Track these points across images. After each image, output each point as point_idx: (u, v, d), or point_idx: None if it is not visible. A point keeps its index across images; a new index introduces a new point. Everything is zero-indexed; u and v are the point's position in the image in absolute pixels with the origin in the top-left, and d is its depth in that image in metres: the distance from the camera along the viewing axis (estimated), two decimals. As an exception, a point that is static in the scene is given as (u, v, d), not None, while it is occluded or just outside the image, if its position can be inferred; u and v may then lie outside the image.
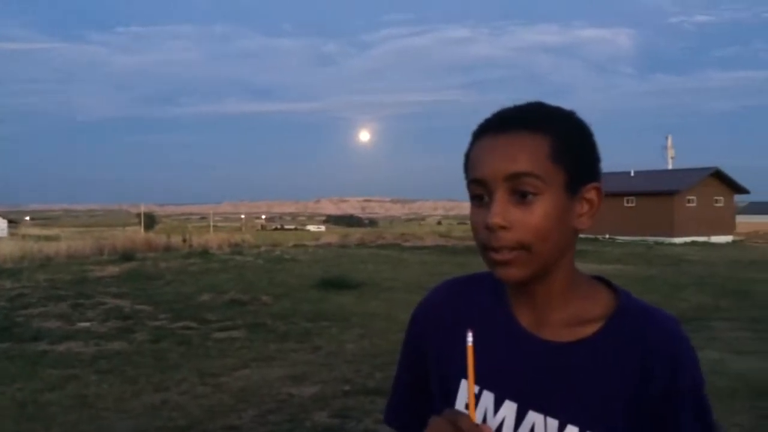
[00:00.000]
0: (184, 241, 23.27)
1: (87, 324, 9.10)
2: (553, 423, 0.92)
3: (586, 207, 0.93)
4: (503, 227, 0.88)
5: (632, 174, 41.41)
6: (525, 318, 0.98)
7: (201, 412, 5.17)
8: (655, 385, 0.90)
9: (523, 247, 0.89)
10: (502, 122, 0.93)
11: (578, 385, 0.92)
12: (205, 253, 20.00)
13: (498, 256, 0.90)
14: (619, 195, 37.77)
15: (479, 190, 0.91)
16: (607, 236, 34.53)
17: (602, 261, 19.25)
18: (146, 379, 6.16)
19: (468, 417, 0.86)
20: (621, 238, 34.28)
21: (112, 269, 15.76)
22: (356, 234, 35.46)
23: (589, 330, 0.95)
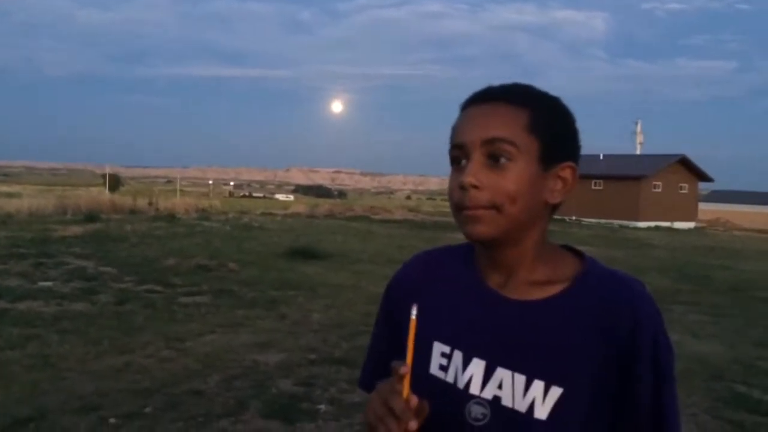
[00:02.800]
0: (150, 204, 22.92)
1: (49, 283, 8.93)
2: (520, 378, 0.95)
3: (559, 183, 0.99)
4: (475, 186, 0.94)
5: (601, 157, 41.95)
6: (493, 280, 1.03)
7: (165, 376, 5.14)
8: (618, 342, 0.93)
9: (493, 206, 0.94)
10: (487, 95, 1.00)
11: (544, 341, 0.96)
12: (171, 217, 19.77)
13: (469, 213, 0.95)
14: (587, 177, 38.29)
15: (458, 154, 0.98)
16: (574, 218, 35.04)
17: (568, 242, 19.56)
18: (110, 342, 6.09)
19: (400, 397, 0.89)
20: (587, 220, 34.86)
21: (76, 229, 15.46)
22: (325, 205, 35.36)
23: (555, 290, 0.99)
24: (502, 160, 0.94)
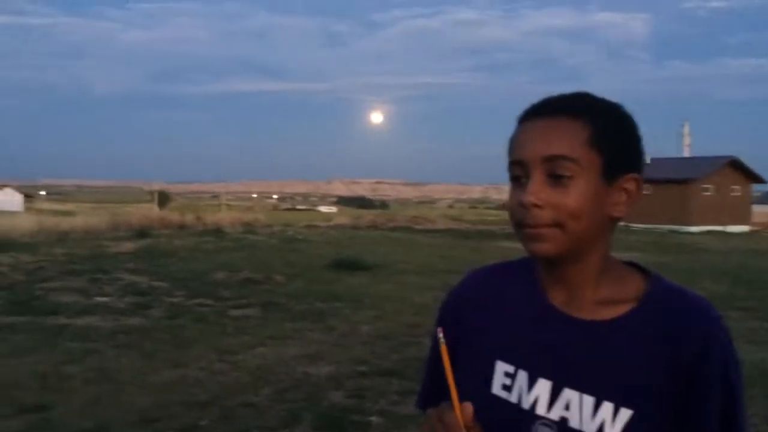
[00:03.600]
0: (198, 219, 23.42)
1: (105, 299, 9.21)
2: (588, 400, 0.93)
3: (623, 196, 0.96)
4: (537, 206, 0.92)
5: (648, 161, 41.07)
6: (557, 298, 1.01)
7: (219, 388, 5.24)
8: (687, 364, 0.92)
9: (556, 224, 0.93)
10: (545, 108, 0.97)
11: (613, 363, 0.94)
12: (218, 231, 20.13)
13: (532, 231, 0.93)
14: (634, 182, 37.47)
15: (518, 171, 0.96)
16: (622, 223, 34.33)
17: (616, 248, 19.15)
18: (164, 355, 6.24)
19: (453, 413, 0.91)
20: (635, 226, 34.11)
21: (128, 245, 15.90)
22: (368, 216, 35.51)
23: (622, 309, 0.97)
24: (564, 178, 0.92)
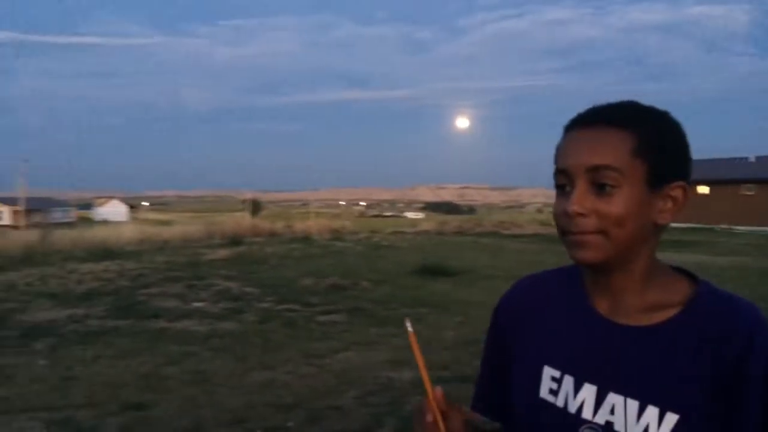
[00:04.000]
0: (288, 227, 24.13)
1: (201, 304, 9.67)
2: (633, 404, 0.94)
3: (669, 203, 0.97)
4: (581, 214, 0.94)
5: (752, 159, 38.69)
6: (602, 305, 1.02)
7: (306, 391, 5.40)
8: (730, 370, 0.91)
9: (600, 231, 0.94)
10: (591, 117, 0.98)
11: (657, 368, 0.95)
12: (306, 238, 20.68)
13: (576, 238, 0.95)
14: (736, 182, 35.46)
15: (563, 180, 0.98)
16: (724, 226, 32.51)
17: (715, 252, 18.20)
18: (255, 358, 6.49)
19: (426, 398, 1.01)
20: (739, 228, 32.20)
21: (222, 253, 16.60)
22: (454, 221, 35.37)
23: (666, 315, 0.97)
24: (607, 187, 0.94)
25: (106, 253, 16.15)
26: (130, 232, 20.73)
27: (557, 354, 1.04)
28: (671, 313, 0.97)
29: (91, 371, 5.98)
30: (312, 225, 25.88)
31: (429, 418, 1.00)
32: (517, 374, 1.08)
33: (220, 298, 10.20)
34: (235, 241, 19.19)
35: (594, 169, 0.94)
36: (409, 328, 1.03)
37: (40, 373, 5.92)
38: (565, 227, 0.96)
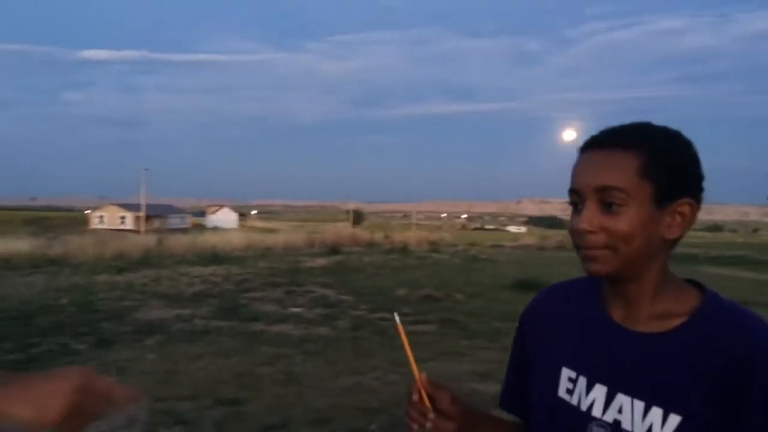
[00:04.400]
0: (386, 237, 24.49)
1: (297, 309, 10.05)
2: (639, 404, 1.00)
3: (677, 219, 1.02)
4: (590, 231, 1.01)
5: None
6: (617, 313, 1.09)
7: (390, 397, 5.53)
8: (732, 377, 0.95)
9: (608, 247, 1.01)
10: (601, 139, 1.05)
11: (662, 372, 1.01)
12: (404, 249, 20.91)
13: (587, 252, 1.02)
14: None
15: (575, 198, 1.05)
16: None
17: None
18: (345, 363, 6.70)
19: (415, 383, 1.12)
20: None
21: (321, 261, 17.13)
22: (556, 236, 34.52)
23: (675, 323, 1.02)
24: (614, 206, 1.00)
25: (214, 258, 17.09)
26: (237, 239, 21.80)
27: (574, 356, 1.12)
28: (679, 321, 1.03)
29: (193, 367, 6.40)
30: (410, 236, 26.14)
31: (415, 397, 1.12)
32: (538, 375, 1.17)
33: (316, 304, 10.56)
34: (334, 250, 19.73)
35: (602, 189, 1.01)
36: (398, 321, 1.15)
37: (149, 366, 6.41)
38: (577, 242, 1.04)
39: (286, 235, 24.41)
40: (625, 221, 1.00)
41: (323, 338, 7.99)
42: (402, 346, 1.15)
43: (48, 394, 0.91)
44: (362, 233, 25.87)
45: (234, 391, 5.53)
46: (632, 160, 1.01)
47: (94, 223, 70.51)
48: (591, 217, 1.02)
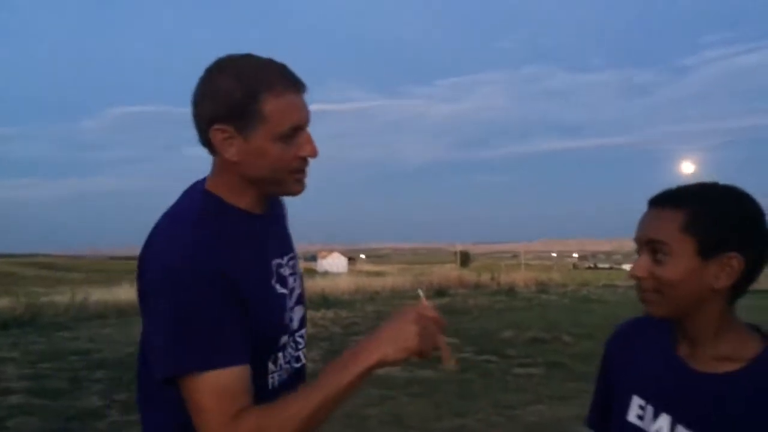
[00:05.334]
0: (493, 278, 24.27)
1: (403, 352, 10.22)
2: None
3: (726, 270, 1.16)
4: (641, 278, 1.21)
5: None
6: (683, 350, 1.26)
7: (493, 440, 5.56)
8: None
9: (657, 291, 1.20)
10: (657, 198, 1.25)
11: (719, 411, 1.15)
12: (511, 290, 20.63)
13: (641, 295, 1.23)
14: None
15: (636, 247, 1.25)
16: None
17: None
18: (449, 405, 6.78)
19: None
20: None
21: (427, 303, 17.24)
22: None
23: (734, 367, 1.18)
24: (659, 255, 1.19)
25: (324, 301, 17.65)
26: (345, 283, 22.39)
27: (644, 386, 1.29)
28: (738, 365, 1.18)
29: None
30: (518, 277, 25.74)
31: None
32: (616, 400, 1.35)
33: (421, 346, 10.68)
34: (440, 292, 19.81)
35: (650, 242, 1.20)
36: (422, 295, 1.38)
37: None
38: (636, 286, 1.24)
39: (393, 278, 24.81)
40: (668, 270, 1.17)
41: (428, 380, 8.10)
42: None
43: (400, 330, 1.27)
44: (469, 275, 25.79)
45: (341, 431, 5.76)
46: (676, 218, 1.18)
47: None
48: (642, 265, 1.21)
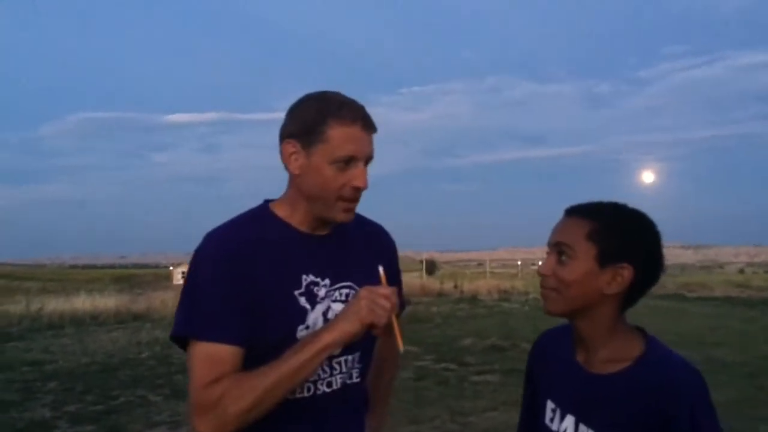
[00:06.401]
0: (456, 287, 24.46)
1: (363, 360, 10.24)
2: None
3: (617, 279, 1.28)
4: (545, 275, 1.32)
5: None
6: (581, 355, 1.36)
7: (446, 447, 5.61)
8: (660, 423, 1.19)
9: (554, 289, 1.30)
10: (572, 209, 1.37)
11: (608, 408, 1.26)
12: (473, 299, 20.84)
13: (542, 291, 1.34)
14: None
15: (547, 249, 1.36)
16: None
17: None
18: (404, 413, 6.81)
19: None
20: None
21: (390, 312, 17.30)
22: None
23: (619, 367, 1.28)
24: (563, 257, 1.30)
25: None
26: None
27: (554, 391, 1.39)
28: (623, 365, 1.28)
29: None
30: (481, 285, 25.98)
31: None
32: (534, 405, 1.46)
33: (381, 355, 10.71)
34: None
35: (557, 244, 1.32)
36: (381, 273, 1.46)
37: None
38: (540, 283, 1.34)
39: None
40: (567, 271, 1.28)
41: (386, 388, 8.13)
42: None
43: (352, 305, 1.39)
44: (432, 283, 25.95)
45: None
46: (584, 226, 1.30)
47: (177, 279, 73.37)
48: (548, 264, 1.32)
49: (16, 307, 16.31)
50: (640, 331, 1.34)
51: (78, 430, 6.06)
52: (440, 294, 23.14)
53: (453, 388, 8.13)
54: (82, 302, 16.74)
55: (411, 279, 31.24)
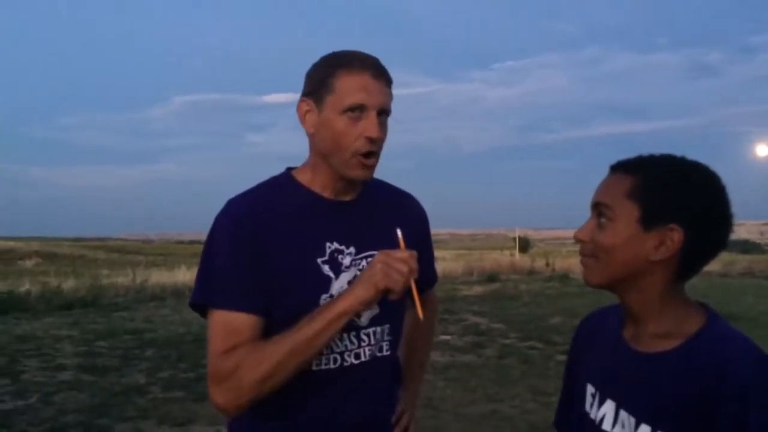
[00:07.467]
0: (547, 264, 23.85)
1: (447, 337, 10.18)
2: (632, 421, 1.10)
3: (666, 243, 1.09)
4: (582, 240, 1.16)
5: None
6: (628, 332, 1.18)
7: (525, 426, 5.48)
8: (712, 406, 0.99)
9: (593, 255, 1.14)
10: (615, 164, 1.19)
11: (653, 390, 1.08)
12: (565, 277, 20.21)
13: (581, 260, 1.17)
14: None
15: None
16: None
17: None
18: (484, 390, 6.71)
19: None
20: None
21: (477, 289, 17.11)
22: (743, 262, 31.34)
23: (670, 344, 1.09)
24: (603, 220, 1.13)
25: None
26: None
27: (595, 374, 1.24)
28: (677, 342, 1.09)
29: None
30: (573, 263, 25.16)
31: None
32: (576, 391, 1.30)
33: (466, 332, 10.61)
34: (491, 278, 19.61)
35: (596, 205, 1.15)
36: (400, 236, 1.38)
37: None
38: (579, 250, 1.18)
39: (445, 263, 24.64)
40: (608, 234, 1.12)
41: (467, 365, 8.05)
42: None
43: (367, 271, 1.34)
44: (522, 261, 25.42)
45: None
46: (624, 182, 1.13)
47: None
48: (586, 228, 1.16)
49: (125, 279, 17.32)
50: (703, 306, 1.15)
51: (169, 396, 6.35)
52: (531, 272, 22.63)
53: (537, 367, 7.92)
54: (183, 275, 17.48)
55: (501, 256, 30.77)
